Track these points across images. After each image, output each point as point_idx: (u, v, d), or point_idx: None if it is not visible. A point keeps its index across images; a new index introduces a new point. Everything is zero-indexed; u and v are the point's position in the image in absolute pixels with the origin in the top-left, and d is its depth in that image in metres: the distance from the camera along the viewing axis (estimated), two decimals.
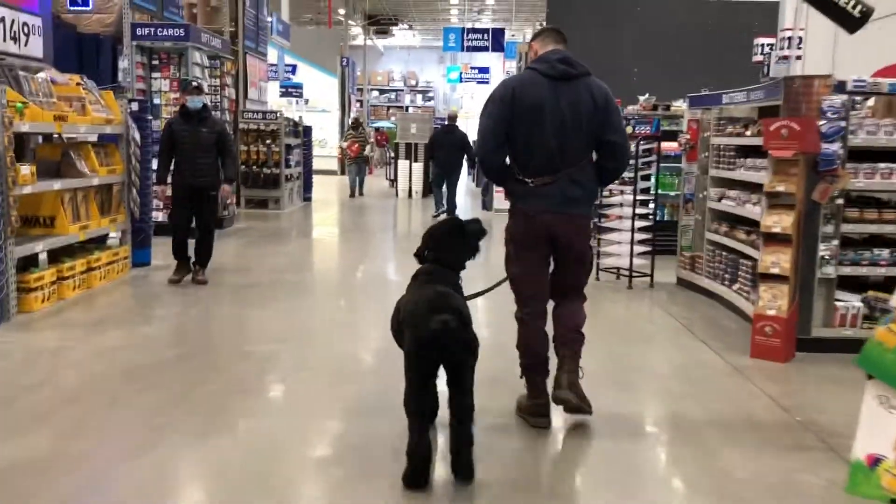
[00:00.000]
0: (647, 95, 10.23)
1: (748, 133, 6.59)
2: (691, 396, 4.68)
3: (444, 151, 14.07)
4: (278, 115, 14.39)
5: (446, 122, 15.01)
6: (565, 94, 3.84)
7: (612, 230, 8.19)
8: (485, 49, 28.60)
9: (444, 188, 14.20)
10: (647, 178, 8.08)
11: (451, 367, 3.31)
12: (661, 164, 8.18)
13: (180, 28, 10.43)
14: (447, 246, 3.70)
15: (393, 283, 8.01)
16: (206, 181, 7.36)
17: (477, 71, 34.78)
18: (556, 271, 4.10)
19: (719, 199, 7.15)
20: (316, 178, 19.00)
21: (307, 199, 16.56)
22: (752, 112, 7.23)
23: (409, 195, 18.39)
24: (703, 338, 5.96)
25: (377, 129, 28.33)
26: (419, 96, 37.80)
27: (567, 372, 3.99)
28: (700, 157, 7.76)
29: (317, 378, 4.90)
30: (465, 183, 24.50)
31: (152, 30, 10.29)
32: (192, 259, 7.49)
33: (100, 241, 7.79)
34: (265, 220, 13.21)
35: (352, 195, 17.73)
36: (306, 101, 26.95)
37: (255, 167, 14.28)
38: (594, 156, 4.06)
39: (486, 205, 15.82)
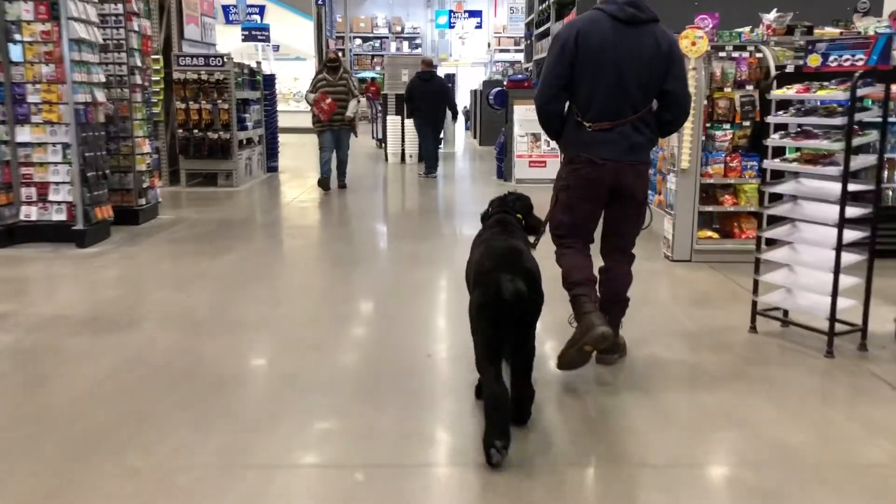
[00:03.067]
0: (774, 13, 6.63)
1: None
2: None
3: (424, 101, 12.83)
4: (225, 59, 10.67)
5: (421, 70, 13.07)
6: (630, 39, 3.70)
7: (776, 243, 4.69)
8: None
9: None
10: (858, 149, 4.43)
11: (517, 325, 3.12)
12: (863, 121, 4.60)
13: None
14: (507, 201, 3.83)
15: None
16: None
17: (468, 15, 31.47)
18: (610, 224, 3.96)
19: None
20: (288, 139, 15.35)
21: (272, 169, 12.94)
22: None
23: (402, 160, 14.83)
24: None
25: (372, 80, 24.49)
26: (405, 43, 33.94)
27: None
28: None
29: None
30: (464, 140, 20.87)
31: None
32: None
33: None
34: (212, 203, 9.60)
35: (324, 186, 10.77)
36: (276, 48, 23.01)
37: (196, 131, 10.61)
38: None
39: (502, 173, 12.24)
